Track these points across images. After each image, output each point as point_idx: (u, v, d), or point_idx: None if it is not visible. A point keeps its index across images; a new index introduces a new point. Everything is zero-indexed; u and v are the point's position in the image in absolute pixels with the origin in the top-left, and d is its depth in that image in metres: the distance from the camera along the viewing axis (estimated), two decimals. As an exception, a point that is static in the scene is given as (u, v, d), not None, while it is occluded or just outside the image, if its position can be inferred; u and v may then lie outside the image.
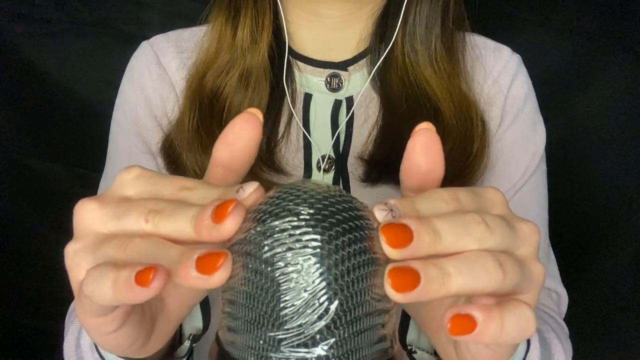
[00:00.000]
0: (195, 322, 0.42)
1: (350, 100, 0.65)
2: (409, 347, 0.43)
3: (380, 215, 0.28)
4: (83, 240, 0.30)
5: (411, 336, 0.43)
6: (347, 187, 0.63)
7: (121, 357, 0.37)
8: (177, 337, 0.42)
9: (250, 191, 0.29)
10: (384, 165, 0.62)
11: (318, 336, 0.26)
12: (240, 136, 0.32)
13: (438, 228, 0.27)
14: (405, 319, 0.42)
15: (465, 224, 0.28)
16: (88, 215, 0.30)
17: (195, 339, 0.42)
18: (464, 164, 0.61)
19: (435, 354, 0.41)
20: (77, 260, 0.30)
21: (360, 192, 0.62)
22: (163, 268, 0.26)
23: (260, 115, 0.32)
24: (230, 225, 0.27)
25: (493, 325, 0.27)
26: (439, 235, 0.27)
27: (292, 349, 0.26)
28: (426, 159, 0.32)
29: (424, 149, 0.32)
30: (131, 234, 0.29)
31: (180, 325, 0.43)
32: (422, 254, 0.27)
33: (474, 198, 0.30)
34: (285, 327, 0.26)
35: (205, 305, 0.42)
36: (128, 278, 0.26)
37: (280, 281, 0.26)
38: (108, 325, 0.30)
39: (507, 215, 0.31)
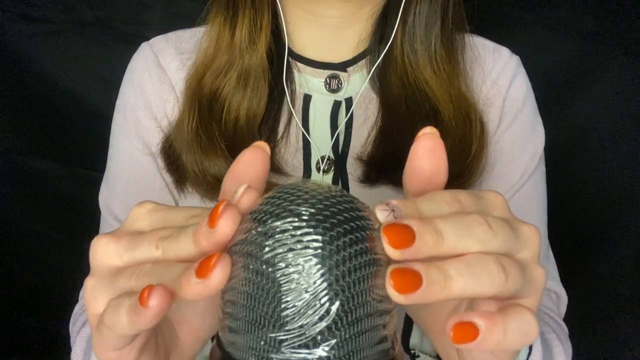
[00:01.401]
0: (206, 352, 0.42)
1: (349, 101, 0.65)
2: (412, 352, 0.43)
3: (381, 215, 0.28)
4: (99, 274, 0.31)
5: (414, 340, 0.43)
6: (346, 187, 0.63)
7: None
8: None
9: (241, 191, 0.29)
10: (383, 165, 0.62)
11: (319, 337, 0.26)
12: (247, 170, 0.32)
13: (441, 229, 0.27)
14: (408, 324, 0.42)
15: (467, 225, 0.28)
16: (103, 250, 0.31)
17: None
18: (462, 165, 0.61)
19: (438, 357, 0.41)
20: (94, 294, 0.31)
21: (359, 192, 0.62)
22: (161, 286, 0.27)
23: (267, 149, 0.33)
24: (223, 225, 0.28)
25: (496, 333, 0.27)
26: (442, 236, 0.27)
27: (293, 350, 0.26)
28: (430, 164, 0.32)
29: (427, 154, 0.32)
30: (143, 262, 0.30)
31: None
32: (424, 255, 0.27)
33: (475, 200, 0.30)
34: (286, 328, 0.26)
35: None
36: (136, 302, 0.27)
37: (281, 282, 0.26)
38: (125, 359, 0.31)
39: (508, 217, 0.31)
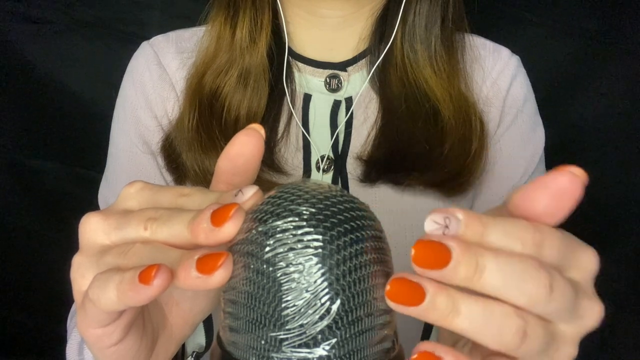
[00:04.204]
0: (198, 339, 0.42)
1: (349, 101, 0.65)
2: None
3: (429, 226, 0.25)
4: (87, 252, 0.31)
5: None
6: (345, 187, 0.63)
7: None
8: (180, 355, 0.42)
9: (250, 194, 0.29)
10: (383, 165, 0.62)
11: (319, 336, 0.26)
12: (242, 152, 0.32)
13: (486, 266, 0.24)
14: (428, 326, 0.42)
15: (525, 279, 0.24)
16: (92, 228, 0.31)
17: (198, 356, 0.42)
18: (462, 165, 0.62)
19: None
20: (81, 271, 0.30)
21: (359, 192, 0.62)
22: (165, 267, 0.27)
23: (262, 131, 0.32)
24: (231, 228, 0.27)
25: None
26: (481, 275, 0.24)
27: (293, 349, 0.26)
28: (552, 205, 0.26)
29: (557, 193, 0.26)
30: (131, 242, 0.30)
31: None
32: (450, 283, 0.25)
33: (562, 252, 0.26)
34: (287, 327, 0.26)
35: (208, 322, 0.41)
36: (132, 278, 0.27)
37: (282, 281, 0.26)
38: (109, 337, 0.31)
39: (582, 284, 0.27)
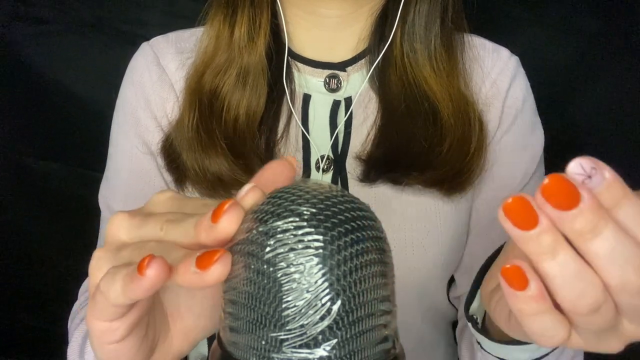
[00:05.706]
0: (200, 349, 0.42)
1: (349, 101, 0.65)
2: (473, 317, 0.43)
3: (574, 169, 0.25)
4: (108, 247, 0.32)
5: (474, 305, 0.43)
6: (345, 187, 0.63)
7: None
8: None
9: (246, 190, 0.30)
10: (382, 164, 0.62)
11: (320, 337, 0.26)
12: (273, 180, 0.33)
13: (602, 232, 0.24)
14: (472, 292, 0.43)
15: (628, 264, 0.25)
16: (117, 225, 0.32)
17: None
18: (461, 164, 0.62)
19: None
20: (99, 264, 0.32)
21: (358, 192, 0.62)
22: (160, 258, 0.27)
23: (295, 163, 0.33)
24: (226, 223, 0.28)
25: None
26: (593, 236, 0.24)
27: (294, 350, 0.26)
28: None
29: None
30: (147, 240, 0.31)
31: None
32: (562, 230, 0.25)
33: None
34: (287, 328, 0.26)
35: None
36: (133, 270, 0.27)
37: (283, 282, 0.26)
38: (112, 333, 0.31)
39: None
